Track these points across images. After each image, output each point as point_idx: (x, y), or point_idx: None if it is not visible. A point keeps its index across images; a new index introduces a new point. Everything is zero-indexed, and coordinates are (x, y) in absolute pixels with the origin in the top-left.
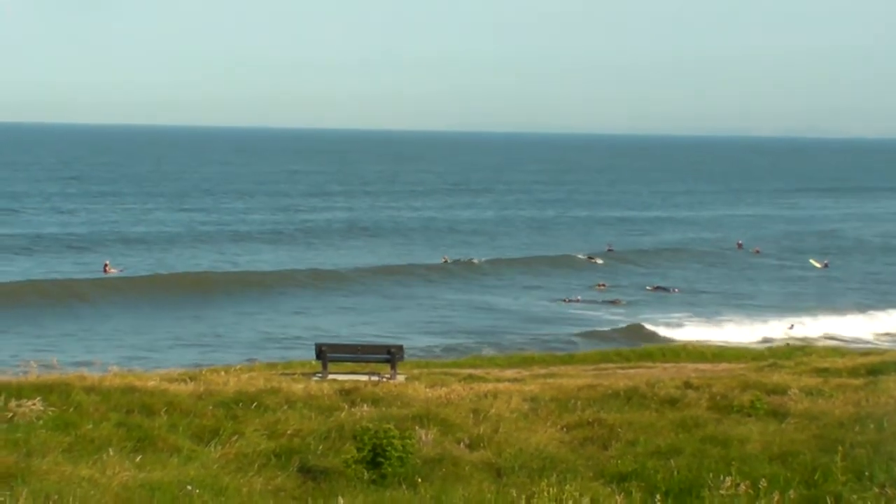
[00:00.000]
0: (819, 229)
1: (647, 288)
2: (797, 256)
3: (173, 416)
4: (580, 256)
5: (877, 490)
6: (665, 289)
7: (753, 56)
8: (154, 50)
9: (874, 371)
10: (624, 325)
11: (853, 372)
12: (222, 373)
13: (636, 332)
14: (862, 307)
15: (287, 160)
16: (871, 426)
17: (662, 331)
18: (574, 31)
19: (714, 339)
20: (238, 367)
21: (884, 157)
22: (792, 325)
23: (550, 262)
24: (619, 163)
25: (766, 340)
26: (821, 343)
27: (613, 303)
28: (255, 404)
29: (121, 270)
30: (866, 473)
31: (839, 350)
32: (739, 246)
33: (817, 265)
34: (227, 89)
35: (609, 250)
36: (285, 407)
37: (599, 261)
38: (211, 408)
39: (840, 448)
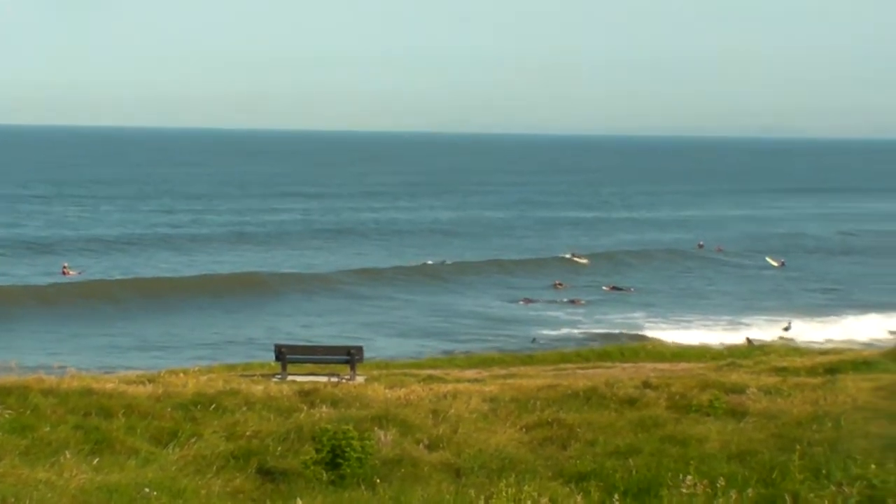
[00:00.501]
0: (778, 230)
1: (604, 288)
2: (756, 255)
3: (131, 419)
4: (566, 256)
5: (834, 488)
6: (620, 288)
7: (714, 56)
8: (112, 48)
9: (832, 370)
10: (586, 324)
11: (811, 371)
12: (181, 374)
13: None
14: (816, 308)
15: (251, 161)
16: (829, 425)
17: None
18: (547, 30)
19: (684, 339)
20: (197, 368)
21: (840, 158)
22: (788, 326)
23: (515, 263)
24: (587, 164)
25: (730, 336)
26: (779, 342)
27: (573, 302)
28: (213, 406)
29: (79, 272)
30: (823, 472)
31: (797, 349)
32: (700, 246)
33: (774, 263)
34: (191, 89)
35: (572, 255)
36: (244, 408)
37: (583, 260)
38: (169, 410)
39: (798, 447)
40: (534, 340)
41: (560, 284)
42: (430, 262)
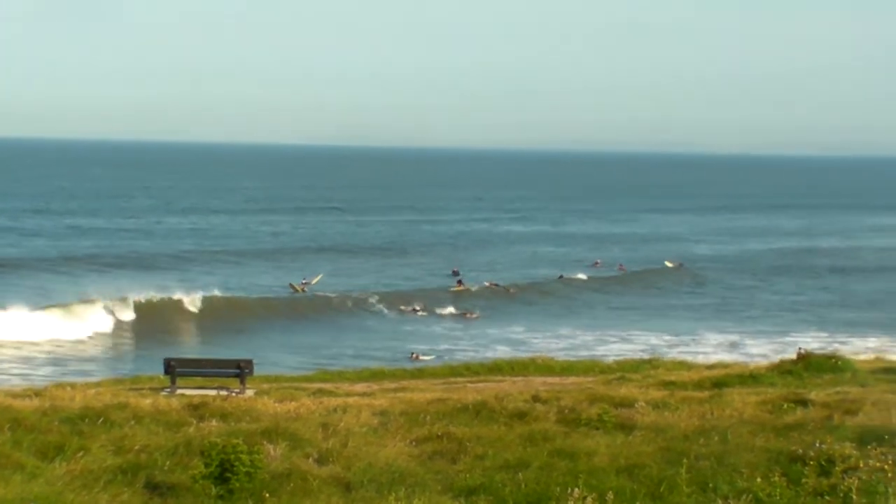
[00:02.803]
0: (681, 246)
1: (486, 283)
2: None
3: (17, 433)
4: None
5: (720, 502)
6: (498, 285)
7: (630, 73)
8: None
9: (719, 384)
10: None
11: (699, 385)
12: (68, 388)
13: None
14: (707, 321)
15: (151, 174)
16: (716, 438)
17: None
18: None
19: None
20: (84, 382)
21: (745, 172)
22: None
23: (404, 276)
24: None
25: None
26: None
27: (465, 315)
28: (101, 420)
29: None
30: (710, 485)
31: (685, 363)
32: (597, 264)
33: (670, 265)
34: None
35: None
36: (132, 422)
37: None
38: (56, 423)
39: (685, 460)
40: (413, 356)
41: (459, 285)
42: (312, 282)
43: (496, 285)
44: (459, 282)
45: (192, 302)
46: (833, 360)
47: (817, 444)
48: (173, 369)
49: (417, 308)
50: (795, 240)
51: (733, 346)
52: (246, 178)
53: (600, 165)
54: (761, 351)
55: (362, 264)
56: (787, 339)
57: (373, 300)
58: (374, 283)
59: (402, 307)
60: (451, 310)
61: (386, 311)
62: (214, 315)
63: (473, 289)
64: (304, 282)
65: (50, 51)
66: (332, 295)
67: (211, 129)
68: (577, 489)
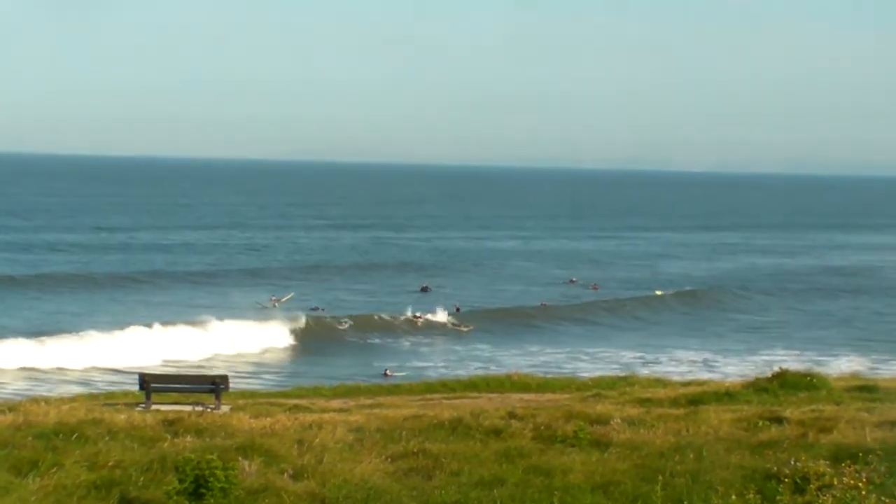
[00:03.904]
0: (653, 264)
1: (445, 320)
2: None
3: None
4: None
5: None
6: (457, 325)
7: (586, 88)
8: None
9: (695, 401)
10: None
11: (674, 402)
12: (42, 403)
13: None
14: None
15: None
16: (691, 455)
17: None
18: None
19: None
20: (59, 397)
21: (711, 189)
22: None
23: (369, 293)
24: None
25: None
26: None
27: (460, 327)
28: (75, 435)
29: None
30: (685, 502)
31: (661, 380)
32: (573, 282)
33: (659, 293)
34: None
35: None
36: (107, 438)
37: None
38: (30, 439)
39: (660, 477)
40: (385, 373)
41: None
42: (280, 300)
43: (455, 325)
44: (425, 287)
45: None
46: (808, 378)
47: (792, 462)
48: (148, 385)
49: (418, 315)
50: (767, 257)
51: (706, 363)
52: (205, 193)
53: (561, 183)
54: (735, 370)
55: (330, 281)
56: (760, 357)
57: (343, 317)
58: (341, 301)
59: (409, 315)
60: (447, 319)
61: (353, 329)
62: None
63: (435, 317)
64: (273, 298)
65: None
66: (303, 312)
67: (159, 144)
68: None
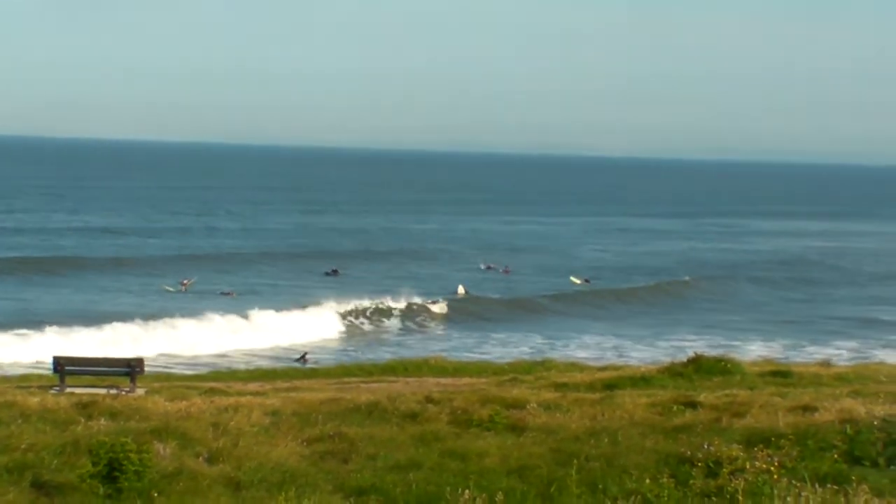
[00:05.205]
0: (570, 248)
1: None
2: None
3: None
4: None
5: (609, 503)
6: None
7: (513, 72)
8: None
9: (611, 385)
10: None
11: (590, 387)
12: None
13: None
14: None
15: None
16: (606, 440)
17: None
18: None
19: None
20: None
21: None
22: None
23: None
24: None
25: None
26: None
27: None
28: None
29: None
30: (600, 486)
31: (578, 365)
32: (489, 268)
33: (577, 282)
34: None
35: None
36: (19, 421)
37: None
38: None
39: (575, 461)
40: (302, 359)
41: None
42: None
43: (225, 293)
44: (335, 271)
45: None
46: (723, 363)
47: (705, 446)
48: (62, 367)
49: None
50: (683, 243)
51: (616, 349)
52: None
53: (485, 167)
54: (646, 355)
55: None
56: (668, 342)
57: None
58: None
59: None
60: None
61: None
62: None
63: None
64: (185, 282)
65: None
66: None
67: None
68: (467, 490)
